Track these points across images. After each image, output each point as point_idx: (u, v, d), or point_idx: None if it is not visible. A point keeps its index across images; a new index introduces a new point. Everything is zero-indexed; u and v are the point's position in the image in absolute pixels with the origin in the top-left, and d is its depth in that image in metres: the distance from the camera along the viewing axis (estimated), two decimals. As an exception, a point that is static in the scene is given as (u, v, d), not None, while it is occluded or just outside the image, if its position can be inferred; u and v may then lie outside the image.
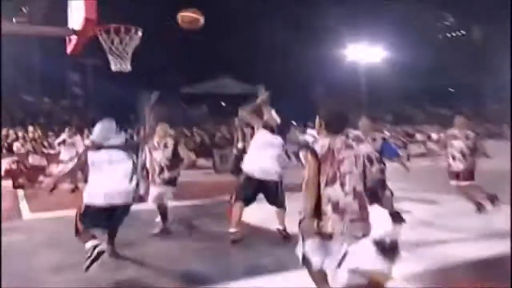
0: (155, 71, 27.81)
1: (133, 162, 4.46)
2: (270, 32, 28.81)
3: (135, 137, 10.72)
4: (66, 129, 10.66)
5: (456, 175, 6.39)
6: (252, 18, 28.12)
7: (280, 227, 5.16)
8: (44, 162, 11.77)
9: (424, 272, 3.90)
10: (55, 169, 10.18)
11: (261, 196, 5.22)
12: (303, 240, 2.90)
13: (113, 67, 5.77)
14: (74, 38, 4.98)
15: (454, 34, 35.60)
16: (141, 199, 7.36)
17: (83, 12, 4.41)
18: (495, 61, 28.06)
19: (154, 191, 5.86)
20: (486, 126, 21.71)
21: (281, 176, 5.18)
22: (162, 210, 5.83)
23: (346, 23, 27.19)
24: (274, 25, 28.82)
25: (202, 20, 3.73)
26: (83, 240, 4.08)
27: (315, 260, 2.84)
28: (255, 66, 27.95)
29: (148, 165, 6.93)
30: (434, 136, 17.66)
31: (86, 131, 11.47)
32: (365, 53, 28.03)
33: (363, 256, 2.80)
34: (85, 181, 4.45)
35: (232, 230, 5.05)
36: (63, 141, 10.38)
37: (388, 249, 4.14)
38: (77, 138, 10.40)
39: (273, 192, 5.13)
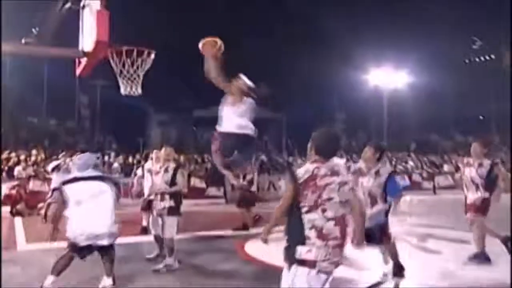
0: (167, 93, 28.16)
1: (116, 194, 4.50)
2: (289, 59, 29.07)
3: (141, 162, 10.47)
4: (61, 154, 10.16)
5: (469, 207, 5.84)
6: (273, 44, 28.49)
7: None
8: (45, 187, 11.45)
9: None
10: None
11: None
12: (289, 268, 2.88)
13: (123, 91, 5.80)
14: (84, 59, 4.97)
15: (482, 59, 35.40)
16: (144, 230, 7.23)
17: (95, 34, 4.40)
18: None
19: (153, 220, 5.79)
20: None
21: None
22: (161, 243, 5.67)
23: (371, 47, 27.22)
24: (293, 50, 29.10)
25: (222, 47, 3.79)
26: None
27: None
28: (273, 91, 28.01)
29: (147, 190, 6.84)
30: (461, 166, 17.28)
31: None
32: (389, 77, 28.00)
33: None
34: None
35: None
36: (57, 167, 9.53)
37: None
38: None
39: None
